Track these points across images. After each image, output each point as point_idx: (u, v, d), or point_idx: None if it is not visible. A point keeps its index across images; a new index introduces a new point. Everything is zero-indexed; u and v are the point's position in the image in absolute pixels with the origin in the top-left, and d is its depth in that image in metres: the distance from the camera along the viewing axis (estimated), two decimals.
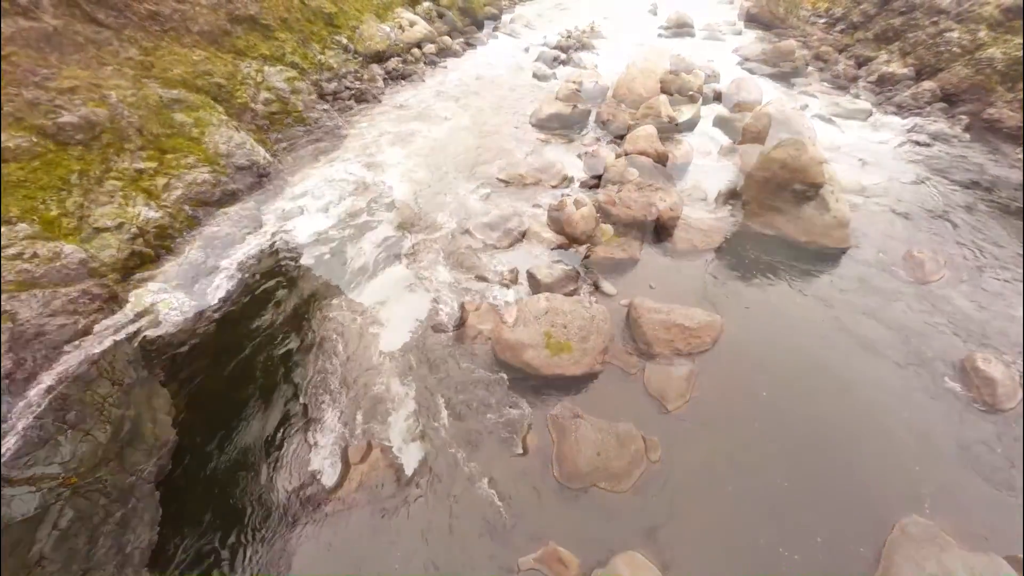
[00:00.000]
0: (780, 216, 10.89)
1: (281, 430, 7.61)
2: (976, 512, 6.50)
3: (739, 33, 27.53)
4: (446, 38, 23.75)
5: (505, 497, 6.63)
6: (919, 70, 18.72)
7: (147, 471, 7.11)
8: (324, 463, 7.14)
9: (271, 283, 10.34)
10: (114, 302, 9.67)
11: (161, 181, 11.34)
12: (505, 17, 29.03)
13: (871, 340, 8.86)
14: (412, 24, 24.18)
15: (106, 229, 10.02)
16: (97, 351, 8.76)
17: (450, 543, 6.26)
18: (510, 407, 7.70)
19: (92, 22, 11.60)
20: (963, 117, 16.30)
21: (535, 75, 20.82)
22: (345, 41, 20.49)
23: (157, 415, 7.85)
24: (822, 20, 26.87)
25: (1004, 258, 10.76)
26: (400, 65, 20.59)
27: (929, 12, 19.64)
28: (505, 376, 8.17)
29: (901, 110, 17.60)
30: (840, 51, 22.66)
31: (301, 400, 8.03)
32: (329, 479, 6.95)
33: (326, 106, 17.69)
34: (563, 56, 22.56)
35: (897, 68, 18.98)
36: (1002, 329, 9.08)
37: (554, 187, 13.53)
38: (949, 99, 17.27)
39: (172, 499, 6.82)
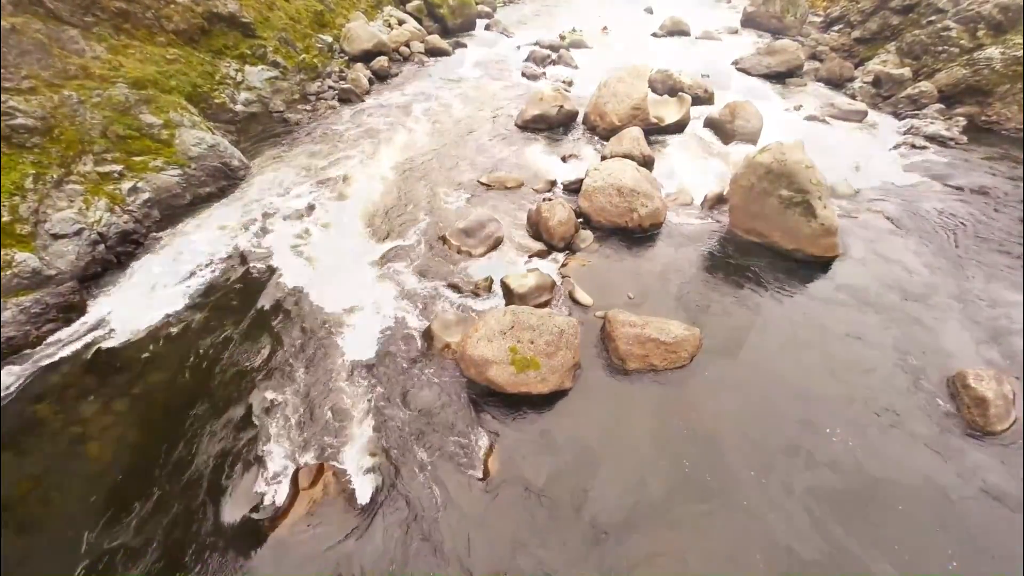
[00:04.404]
0: (766, 223, 10.45)
1: (232, 450, 7.21)
2: None
3: (735, 34, 27.06)
4: (435, 37, 23.32)
5: (463, 526, 6.24)
6: (916, 70, 18.25)
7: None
8: (274, 487, 6.75)
9: (235, 292, 9.95)
10: (71, 311, 9.30)
11: (127, 185, 10.95)
12: (498, 16, 28.60)
13: (857, 357, 8.43)
14: (401, 22, 23.79)
15: (64, 235, 9.63)
16: (46, 364, 8.41)
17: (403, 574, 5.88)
18: (473, 427, 7.31)
19: (55, 20, 11.23)
20: (961, 118, 15.83)
21: (524, 75, 20.41)
22: (330, 40, 20.10)
23: (103, 437, 7.48)
24: (819, 20, 26.40)
25: (1002, 267, 10.31)
26: (387, 64, 20.16)
27: (927, 11, 19.16)
28: (470, 393, 7.78)
29: (897, 111, 17.14)
30: (836, 51, 22.17)
31: (256, 417, 7.64)
32: (278, 504, 6.56)
33: (308, 106, 17.32)
34: (554, 56, 22.13)
35: (894, 68, 18.50)
36: (997, 344, 8.65)
37: (536, 191, 13.12)
38: (947, 100, 16.81)
39: (114, 524, 6.45)
